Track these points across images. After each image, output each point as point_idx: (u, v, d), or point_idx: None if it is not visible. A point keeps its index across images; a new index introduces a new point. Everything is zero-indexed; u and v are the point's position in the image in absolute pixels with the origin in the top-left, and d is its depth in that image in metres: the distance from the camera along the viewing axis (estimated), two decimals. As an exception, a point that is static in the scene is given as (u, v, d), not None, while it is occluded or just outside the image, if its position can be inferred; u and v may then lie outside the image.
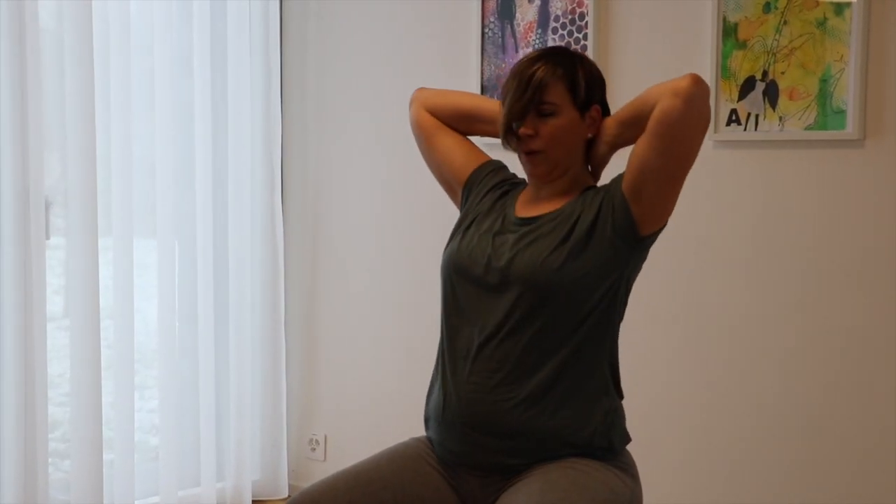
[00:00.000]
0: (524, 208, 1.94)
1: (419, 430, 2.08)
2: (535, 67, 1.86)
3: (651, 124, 1.76)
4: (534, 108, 1.84)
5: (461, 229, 1.96)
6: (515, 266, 1.83)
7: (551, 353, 1.82)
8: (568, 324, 1.82)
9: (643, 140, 1.80)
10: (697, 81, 1.75)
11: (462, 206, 2.04)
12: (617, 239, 1.82)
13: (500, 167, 2.06)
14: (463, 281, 1.90)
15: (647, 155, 1.78)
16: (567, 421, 1.81)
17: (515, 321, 1.81)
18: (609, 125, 1.91)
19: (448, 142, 2.08)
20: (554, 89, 1.85)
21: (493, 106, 2.01)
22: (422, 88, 2.16)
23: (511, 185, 2.02)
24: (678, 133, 1.76)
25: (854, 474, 2.69)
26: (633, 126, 1.86)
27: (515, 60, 3.15)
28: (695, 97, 1.75)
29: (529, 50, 3.10)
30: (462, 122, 2.07)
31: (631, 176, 1.81)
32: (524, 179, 2.01)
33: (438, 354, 1.93)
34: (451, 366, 1.87)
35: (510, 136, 1.88)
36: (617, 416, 1.88)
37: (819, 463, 2.74)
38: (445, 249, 1.97)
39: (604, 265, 1.83)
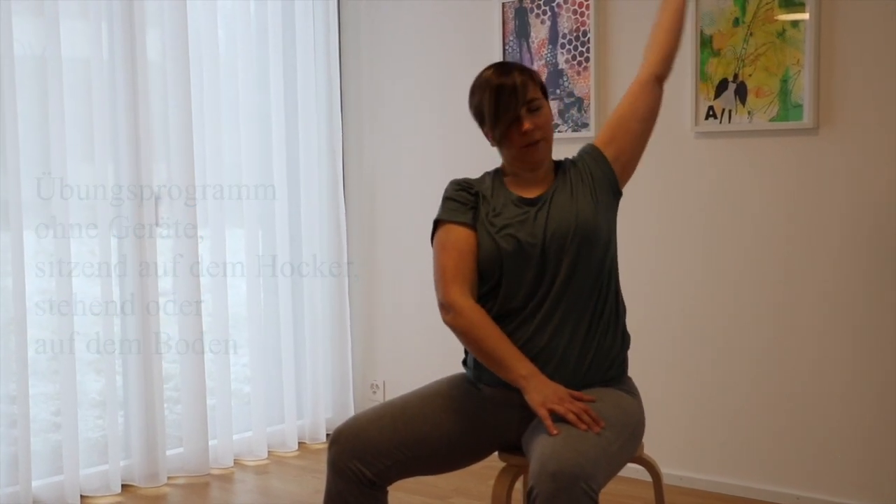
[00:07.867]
0: (522, 193, 2.02)
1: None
2: (509, 78, 1.96)
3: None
4: (524, 107, 1.96)
5: (486, 227, 2.02)
6: (560, 228, 1.93)
7: (587, 301, 1.94)
8: (600, 271, 1.95)
9: (628, 106, 2.03)
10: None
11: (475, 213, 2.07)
12: (609, 194, 2.01)
13: (461, 190, 2.06)
14: (513, 263, 1.97)
15: (629, 124, 2.04)
16: (602, 354, 1.96)
17: (565, 274, 1.92)
18: None
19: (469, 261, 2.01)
20: (532, 89, 1.98)
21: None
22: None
23: (474, 193, 2.05)
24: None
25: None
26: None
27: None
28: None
29: (542, 63, 3.30)
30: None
31: (612, 144, 2.03)
32: (478, 178, 2.09)
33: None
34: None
35: (511, 138, 1.95)
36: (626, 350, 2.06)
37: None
38: (484, 243, 2.00)
39: (609, 217, 2.00)
